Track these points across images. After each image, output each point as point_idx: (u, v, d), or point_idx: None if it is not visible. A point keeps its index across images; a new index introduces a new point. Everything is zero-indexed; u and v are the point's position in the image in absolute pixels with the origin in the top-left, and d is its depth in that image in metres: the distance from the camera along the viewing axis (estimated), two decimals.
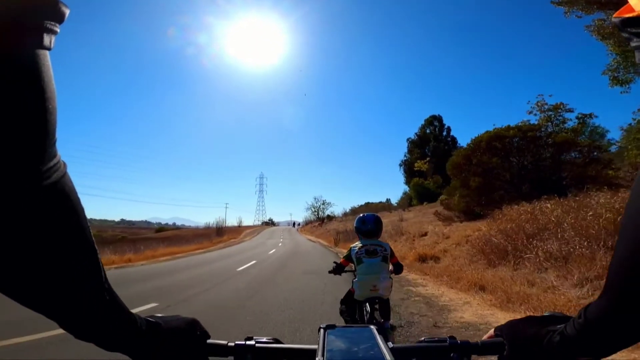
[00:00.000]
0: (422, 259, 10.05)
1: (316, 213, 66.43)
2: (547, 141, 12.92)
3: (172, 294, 6.45)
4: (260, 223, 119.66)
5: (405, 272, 9.21)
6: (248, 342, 0.58)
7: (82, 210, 0.36)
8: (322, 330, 0.62)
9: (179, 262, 13.87)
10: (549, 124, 13.96)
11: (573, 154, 12.43)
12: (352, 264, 2.62)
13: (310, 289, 7.11)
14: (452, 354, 0.57)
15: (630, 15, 0.34)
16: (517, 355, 0.53)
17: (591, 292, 4.80)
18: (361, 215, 2.78)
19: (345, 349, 0.55)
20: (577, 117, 15.89)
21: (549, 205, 8.87)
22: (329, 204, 68.73)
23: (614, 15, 0.35)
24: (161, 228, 71.66)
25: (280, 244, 25.03)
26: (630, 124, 13.35)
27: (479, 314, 4.83)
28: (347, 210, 53.24)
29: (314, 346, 0.57)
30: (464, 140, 60.23)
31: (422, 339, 0.60)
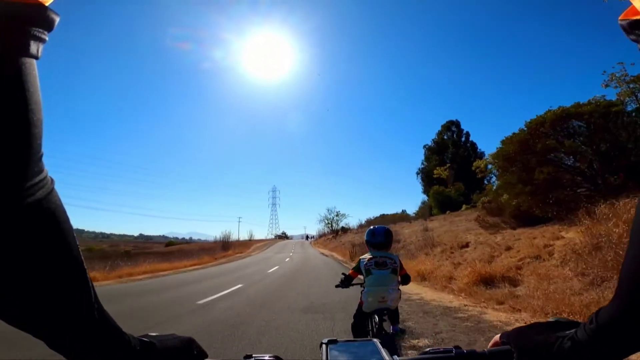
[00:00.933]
0: (488, 281, 6.63)
1: (330, 225, 62.66)
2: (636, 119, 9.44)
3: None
4: (273, 236, 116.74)
5: (471, 304, 5.78)
6: None
7: (69, 227, 0.34)
8: (324, 346, 0.61)
9: (151, 282, 11.09)
10: (632, 98, 10.49)
11: None
12: (361, 276, 2.62)
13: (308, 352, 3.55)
14: None
15: (638, 17, 0.33)
16: None
17: None
18: (371, 227, 2.79)
19: None
20: None
21: None
22: (343, 215, 64.06)
23: (620, 18, 0.35)
24: (170, 242, 69.12)
25: (287, 259, 21.69)
26: None
27: None
28: (363, 222, 49.61)
29: None
30: (483, 146, 56.38)
31: (427, 349, 0.58)
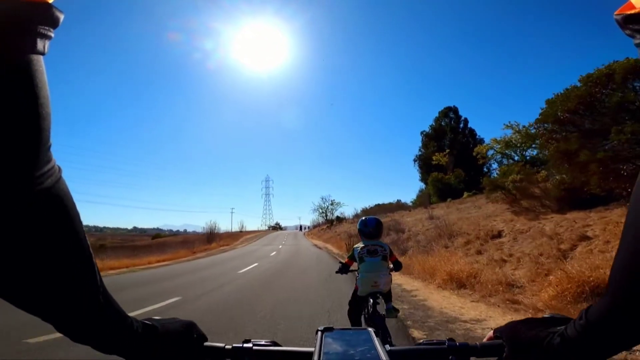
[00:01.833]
0: (596, 290, 3.78)
1: (324, 214, 59.43)
2: None
3: None
4: (266, 227, 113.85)
5: None
6: (245, 345, 0.56)
7: (77, 214, 0.35)
8: (319, 333, 0.60)
9: None
10: None
11: None
12: (356, 263, 2.75)
13: None
14: (450, 357, 0.54)
15: (633, 12, 0.33)
16: (517, 357, 0.51)
17: None
18: (363, 218, 2.90)
19: (342, 351, 0.54)
20: None
21: None
22: (338, 204, 60.22)
23: (616, 13, 0.35)
24: (158, 235, 66.01)
25: (273, 253, 18.41)
26: None
27: None
28: (358, 212, 46.87)
29: (311, 349, 0.55)
30: (483, 132, 53.94)
31: (421, 340, 0.59)
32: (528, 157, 23.97)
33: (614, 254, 0.40)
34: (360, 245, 2.71)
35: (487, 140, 29.57)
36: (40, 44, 0.28)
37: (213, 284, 7.98)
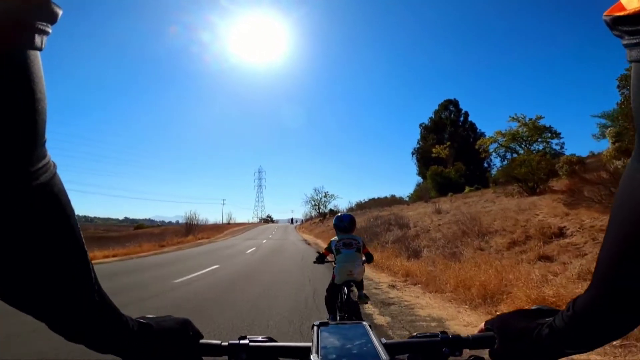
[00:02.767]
0: None
1: (317, 207, 56.08)
2: None
3: None
4: (258, 220, 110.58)
5: None
6: (242, 342, 0.55)
7: (71, 211, 0.34)
8: (315, 328, 0.59)
9: None
10: None
11: None
12: (332, 255, 2.96)
13: None
14: (443, 349, 0.55)
15: (621, 13, 0.33)
16: (507, 348, 0.51)
17: None
18: (339, 214, 3.23)
19: (339, 345, 0.53)
20: None
21: None
22: (331, 196, 56.10)
23: (605, 14, 0.34)
24: (140, 225, 62.22)
25: (250, 250, 15.21)
26: None
27: None
28: (353, 205, 44.09)
29: (308, 344, 0.55)
30: (483, 127, 51.59)
31: (415, 334, 0.58)
32: (534, 152, 21.73)
33: None
34: (336, 238, 2.96)
35: (488, 134, 27.14)
36: (37, 40, 0.28)
37: (138, 295, 5.13)
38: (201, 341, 0.54)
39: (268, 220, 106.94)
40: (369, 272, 7.54)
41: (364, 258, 2.92)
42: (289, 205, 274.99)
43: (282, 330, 3.70)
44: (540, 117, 25.82)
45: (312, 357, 0.49)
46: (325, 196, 53.86)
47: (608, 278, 0.38)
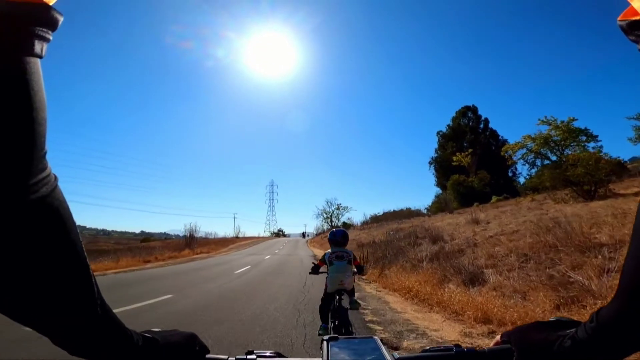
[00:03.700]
0: None
1: (329, 220, 53.06)
2: None
3: None
4: (269, 234, 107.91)
5: None
6: (249, 357, 0.54)
7: (73, 224, 0.33)
8: (325, 343, 0.59)
9: None
10: None
11: None
12: (326, 266, 3.17)
13: None
14: None
15: (636, 18, 0.33)
16: None
17: None
18: (333, 230, 3.44)
19: None
20: None
21: None
22: (344, 208, 52.00)
23: (619, 18, 0.34)
24: (146, 238, 60.77)
25: (243, 269, 12.13)
26: None
27: None
28: (367, 218, 41.06)
29: (318, 359, 0.54)
30: (505, 133, 48.19)
31: (428, 347, 0.56)
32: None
33: None
34: (329, 251, 3.18)
35: (511, 142, 24.20)
36: (37, 47, 0.27)
37: None
38: (207, 356, 0.53)
39: (279, 234, 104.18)
40: (412, 313, 4.91)
41: (354, 269, 3.13)
42: (302, 219, 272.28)
43: None
44: (574, 119, 22.46)
45: None
46: (337, 208, 51.01)
47: (633, 289, 0.38)
